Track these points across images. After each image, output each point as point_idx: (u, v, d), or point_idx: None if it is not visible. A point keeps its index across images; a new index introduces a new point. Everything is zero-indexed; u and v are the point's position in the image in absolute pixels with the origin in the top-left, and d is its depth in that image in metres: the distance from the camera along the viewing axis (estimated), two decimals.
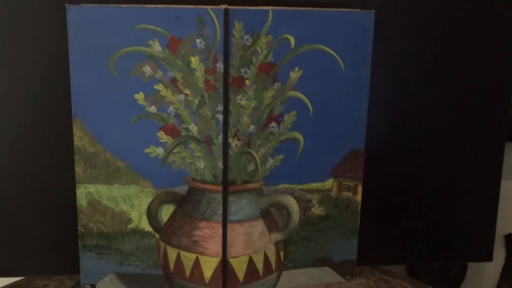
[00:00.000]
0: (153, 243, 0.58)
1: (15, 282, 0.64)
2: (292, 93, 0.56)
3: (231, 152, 0.56)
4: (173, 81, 0.54)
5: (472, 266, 0.87)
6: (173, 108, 0.55)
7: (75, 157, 0.55)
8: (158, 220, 0.58)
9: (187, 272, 0.59)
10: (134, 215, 0.57)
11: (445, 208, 0.72)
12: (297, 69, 0.56)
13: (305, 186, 0.59)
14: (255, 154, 0.57)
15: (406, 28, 0.66)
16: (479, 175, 0.71)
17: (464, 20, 0.67)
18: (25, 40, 0.60)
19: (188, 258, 0.58)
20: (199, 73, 0.54)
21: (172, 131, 0.56)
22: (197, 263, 0.58)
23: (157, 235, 0.58)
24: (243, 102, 0.55)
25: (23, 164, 0.63)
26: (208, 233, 0.58)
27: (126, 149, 0.55)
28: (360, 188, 0.61)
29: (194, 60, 0.54)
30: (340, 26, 0.55)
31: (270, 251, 0.60)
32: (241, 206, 0.58)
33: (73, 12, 0.52)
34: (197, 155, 0.56)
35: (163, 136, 0.56)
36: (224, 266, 0.58)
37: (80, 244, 0.58)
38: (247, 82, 0.55)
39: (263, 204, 0.59)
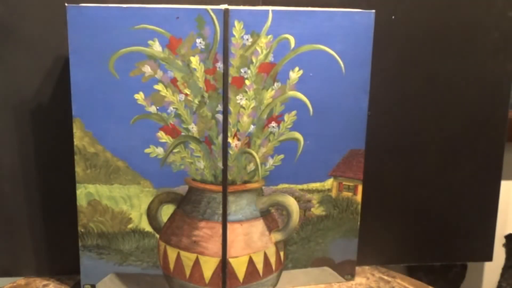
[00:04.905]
0: (153, 243, 0.58)
1: (15, 282, 0.64)
2: (292, 93, 0.56)
3: (231, 152, 0.56)
4: (173, 81, 0.54)
5: (472, 266, 0.87)
6: (173, 108, 0.55)
7: (75, 157, 0.55)
8: (158, 220, 0.58)
9: (187, 272, 0.59)
10: (134, 215, 0.57)
11: (445, 208, 0.72)
12: (297, 69, 0.56)
13: (305, 186, 0.59)
14: (255, 154, 0.57)
15: (406, 28, 0.66)
16: (479, 175, 0.71)
17: (464, 20, 0.67)
18: (25, 40, 0.60)
19: (188, 258, 0.58)
20: (199, 73, 0.54)
21: (172, 131, 0.56)
22: (197, 263, 0.58)
23: (157, 235, 0.58)
24: (243, 102, 0.55)
25: (23, 164, 0.63)
26: (208, 233, 0.58)
27: (126, 149, 0.55)
28: (360, 188, 0.61)
29: (194, 60, 0.54)
30: (340, 26, 0.55)
31: (270, 251, 0.60)
32: (241, 206, 0.58)
33: (73, 12, 0.52)
34: (197, 155, 0.56)
35: (163, 136, 0.56)
36: (224, 266, 0.58)
37: (80, 244, 0.58)
38: (247, 82, 0.55)
39: (263, 204, 0.59)
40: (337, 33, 0.55)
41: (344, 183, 0.61)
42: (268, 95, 0.56)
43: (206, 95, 0.55)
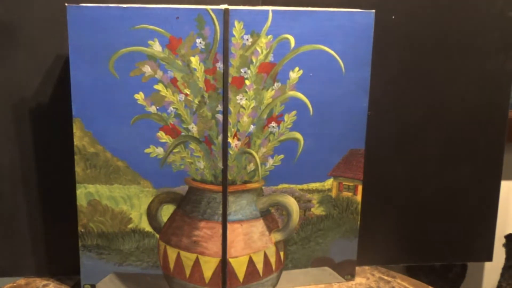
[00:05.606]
0: (153, 243, 0.58)
1: (15, 282, 0.64)
2: (292, 93, 0.56)
3: (231, 152, 0.56)
4: (173, 81, 0.54)
5: (472, 266, 0.87)
6: (173, 108, 0.55)
7: (75, 157, 0.55)
8: (158, 220, 0.58)
9: (187, 272, 0.59)
10: (134, 215, 0.57)
11: (445, 208, 0.72)
12: (297, 69, 0.56)
13: (305, 186, 0.59)
14: (255, 154, 0.57)
15: (406, 28, 0.66)
16: (479, 175, 0.71)
17: (464, 20, 0.67)
18: (25, 40, 0.60)
19: (188, 258, 0.58)
20: (199, 73, 0.54)
21: (172, 131, 0.56)
22: (197, 263, 0.58)
23: (157, 235, 0.58)
24: (243, 102, 0.55)
25: (23, 164, 0.63)
26: (208, 233, 0.58)
27: (126, 149, 0.55)
28: (360, 188, 0.61)
29: (194, 60, 0.54)
30: (340, 26, 0.55)
31: (270, 251, 0.60)
32: (241, 206, 0.58)
33: (73, 12, 0.52)
34: (197, 155, 0.56)
35: (163, 136, 0.56)
36: (224, 266, 0.58)
37: (80, 244, 0.58)
38: (247, 82, 0.55)
39: (263, 204, 0.59)
40: (337, 33, 0.55)
41: (344, 183, 0.61)
42: (268, 95, 0.56)
43: (206, 95, 0.55)
